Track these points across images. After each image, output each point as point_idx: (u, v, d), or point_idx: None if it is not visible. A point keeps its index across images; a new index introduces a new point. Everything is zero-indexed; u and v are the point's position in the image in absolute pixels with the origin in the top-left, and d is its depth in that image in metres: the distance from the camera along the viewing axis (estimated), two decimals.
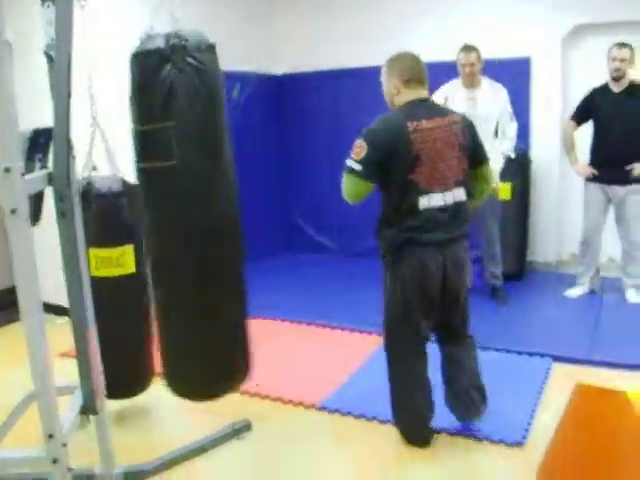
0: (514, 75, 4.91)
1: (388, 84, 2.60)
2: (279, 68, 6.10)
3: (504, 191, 4.71)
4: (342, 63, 5.68)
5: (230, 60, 5.48)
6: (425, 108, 2.54)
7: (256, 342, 3.92)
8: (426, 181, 2.44)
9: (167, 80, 1.99)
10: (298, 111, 6.10)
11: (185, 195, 2.09)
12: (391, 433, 2.81)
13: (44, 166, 2.02)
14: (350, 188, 2.50)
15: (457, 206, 2.54)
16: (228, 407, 3.12)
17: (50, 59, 2.04)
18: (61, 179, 1.93)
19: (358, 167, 2.44)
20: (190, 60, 2.01)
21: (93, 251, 2.60)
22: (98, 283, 2.46)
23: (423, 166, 2.43)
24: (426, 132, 2.44)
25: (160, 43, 2.00)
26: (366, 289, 3.79)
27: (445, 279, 2.54)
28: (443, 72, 4.26)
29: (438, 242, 2.49)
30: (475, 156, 2.65)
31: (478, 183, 2.73)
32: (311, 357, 3.72)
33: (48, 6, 2.08)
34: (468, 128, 2.61)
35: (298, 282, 5.31)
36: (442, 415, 2.78)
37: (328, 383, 3.31)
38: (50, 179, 1.94)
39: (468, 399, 2.74)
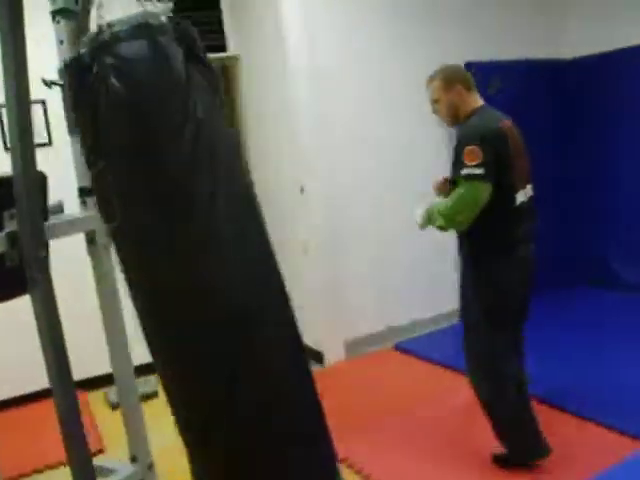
0: None
1: (450, 94, 2.54)
2: (565, 51, 4.78)
3: None
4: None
5: (492, 50, 4.50)
6: (495, 112, 2.56)
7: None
8: (518, 178, 2.49)
9: (90, 98, 1.22)
10: (598, 104, 4.68)
11: (144, 267, 1.32)
12: None
13: None
14: (476, 196, 2.40)
15: (530, 201, 2.59)
16: None
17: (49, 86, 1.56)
18: (27, 239, 1.36)
19: (480, 170, 2.36)
20: (110, 60, 1.20)
21: None
22: None
23: (515, 163, 2.47)
24: (511, 132, 2.49)
25: (85, 44, 1.23)
26: None
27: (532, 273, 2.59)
28: None
29: (529, 237, 2.55)
30: None
31: None
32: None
33: (58, 22, 1.61)
34: (518, 130, 2.64)
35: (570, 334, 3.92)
36: None
37: None
38: (13, 240, 1.37)
39: None
